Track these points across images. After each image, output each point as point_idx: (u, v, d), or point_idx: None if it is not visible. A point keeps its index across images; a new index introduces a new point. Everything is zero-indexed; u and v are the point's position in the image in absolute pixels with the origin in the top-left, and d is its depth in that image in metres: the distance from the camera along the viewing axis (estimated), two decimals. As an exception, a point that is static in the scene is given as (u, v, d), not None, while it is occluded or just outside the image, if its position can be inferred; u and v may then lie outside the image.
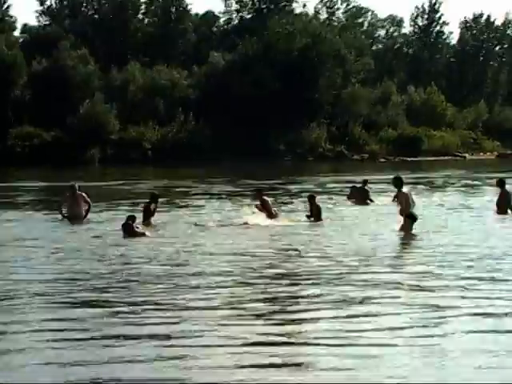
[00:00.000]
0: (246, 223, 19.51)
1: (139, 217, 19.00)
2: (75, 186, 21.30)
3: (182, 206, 25.58)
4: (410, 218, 17.16)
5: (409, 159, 69.39)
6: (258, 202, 21.32)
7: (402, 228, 17.33)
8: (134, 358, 7.81)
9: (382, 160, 69.53)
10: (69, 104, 60.22)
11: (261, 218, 20.07)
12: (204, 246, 15.85)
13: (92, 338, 8.59)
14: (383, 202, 25.46)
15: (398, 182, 17.54)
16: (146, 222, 19.60)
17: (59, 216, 21.02)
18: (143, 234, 17.31)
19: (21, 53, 63.92)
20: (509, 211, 21.29)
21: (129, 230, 17.32)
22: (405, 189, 17.60)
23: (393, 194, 22.84)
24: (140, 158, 60.43)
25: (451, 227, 18.86)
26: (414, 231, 17.33)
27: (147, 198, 20.61)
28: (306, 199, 21.49)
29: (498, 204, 21.66)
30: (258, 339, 8.54)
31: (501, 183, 21.98)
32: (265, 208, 20.96)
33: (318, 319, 9.55)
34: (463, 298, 10.62)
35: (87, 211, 20.98)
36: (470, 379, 7.24)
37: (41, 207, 24.82)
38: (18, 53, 63.74)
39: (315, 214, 20.34)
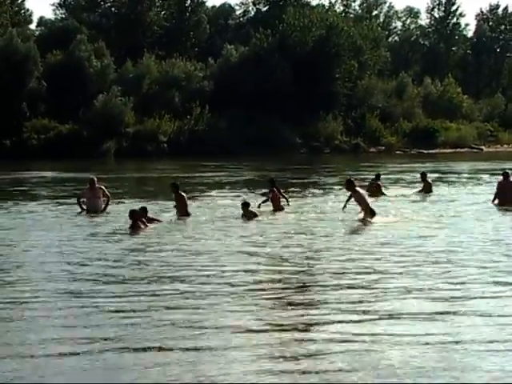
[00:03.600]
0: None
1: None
2: (94, 179, 21.33)
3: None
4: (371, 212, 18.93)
5: (425, 151, 68.86)
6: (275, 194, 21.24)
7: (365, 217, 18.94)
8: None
9: (398, 152, 69.05)
10: (84, 97, 60.09)
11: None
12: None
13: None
14: (400, 193, 25.81)
15: (350, 186, 19.42)
16: (183, 213, 19.55)
17: (78, 209, 20.99)
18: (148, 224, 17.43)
19: (35, 45, 63.64)
20: None
21: (134, 221, 17.22)
22: (360, 190, 19.58)
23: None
24: (156, 150, 60.19)
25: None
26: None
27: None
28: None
29: None
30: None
31: None
32: (273, 199, 20.87)
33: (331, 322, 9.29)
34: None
35: (106, 204, 21.01)
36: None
37: (59, 200, 24.70)
38: (32, 45, 63.46)
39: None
